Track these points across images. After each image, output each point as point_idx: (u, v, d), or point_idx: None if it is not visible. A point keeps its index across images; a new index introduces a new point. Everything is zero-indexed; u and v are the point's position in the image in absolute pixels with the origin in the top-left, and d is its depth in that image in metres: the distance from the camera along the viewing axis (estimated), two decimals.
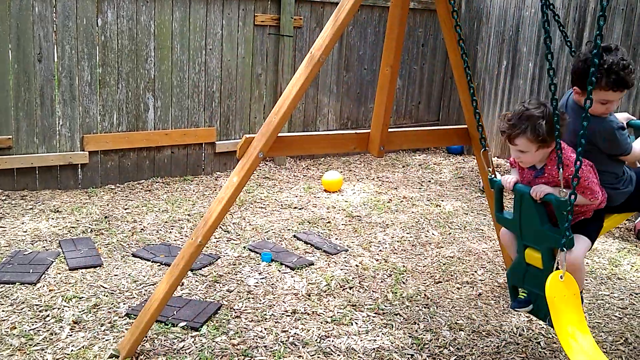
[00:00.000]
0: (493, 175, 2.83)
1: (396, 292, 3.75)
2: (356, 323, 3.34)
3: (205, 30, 5.85)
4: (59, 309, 3.25)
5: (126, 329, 3.04)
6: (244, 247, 4.30)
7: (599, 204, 2.74)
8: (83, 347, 2.91)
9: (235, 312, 3.35)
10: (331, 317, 3.41)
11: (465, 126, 3.54)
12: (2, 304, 3.26)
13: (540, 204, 2.55)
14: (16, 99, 4.98)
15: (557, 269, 2.46)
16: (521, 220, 2.64)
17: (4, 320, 3.11)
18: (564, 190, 2.42)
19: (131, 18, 5.41)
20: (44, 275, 3.62)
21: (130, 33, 5.44)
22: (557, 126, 2.41)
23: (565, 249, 2.53)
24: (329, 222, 4.97)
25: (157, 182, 5.74)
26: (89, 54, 5.25)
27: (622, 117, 3.03)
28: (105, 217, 4.68)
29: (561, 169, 2.45)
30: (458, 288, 3.90)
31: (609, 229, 3.01)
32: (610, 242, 4.91)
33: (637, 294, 3.97)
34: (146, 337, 2.97)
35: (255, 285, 3.71)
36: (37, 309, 3.24)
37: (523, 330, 3.40)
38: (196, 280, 3.72)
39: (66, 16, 5.09)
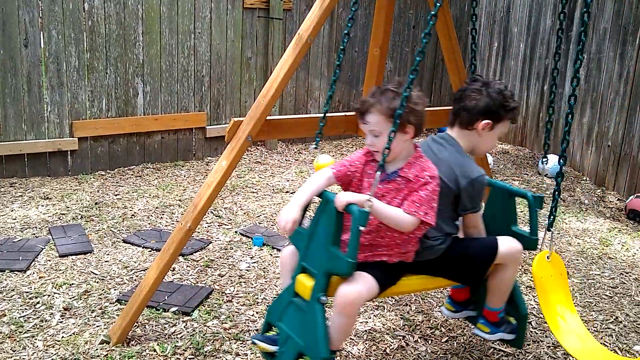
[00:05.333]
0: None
1: None
2: None
3: (193, 14, 5.79)
4: (49, 295, 3.24)
5: (117, 315, 3.03)
6: (236, 232, 4.28)
7: (414, 240, 2.25)
8: (74, 333, 2.90)
9: (227, 297, 3.35)
10: None
11: None
12: None
13: (342, 217, 2.07)
14: (3, 85, 4.92)
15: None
16: (313, 235, 2.14)
17: None
18: (372, 199, 2.01)
19: (118, 2, 5.34)
20: (33, 263, 3.60)
21: (118, 17, 5.37)
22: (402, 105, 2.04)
23: (551, 230, 2.52)
24: None
25: (147, 168, 5.71)
26: (76, 39, 5.19)
27: None
28: (96, 204, 4.65)
29: (384, 157, 2.04)
30: None
31: (403, 291, 2.53)
32: (601, 222, 4.93)
33: (627, 273, 3.99)
34: (137, 322, 2.96)
35: (247, 270, 3.70)
36: (27, 296, 3.23)
37: None
38: (187, 265, 3.71)
39: (52, 0, 5.02)
